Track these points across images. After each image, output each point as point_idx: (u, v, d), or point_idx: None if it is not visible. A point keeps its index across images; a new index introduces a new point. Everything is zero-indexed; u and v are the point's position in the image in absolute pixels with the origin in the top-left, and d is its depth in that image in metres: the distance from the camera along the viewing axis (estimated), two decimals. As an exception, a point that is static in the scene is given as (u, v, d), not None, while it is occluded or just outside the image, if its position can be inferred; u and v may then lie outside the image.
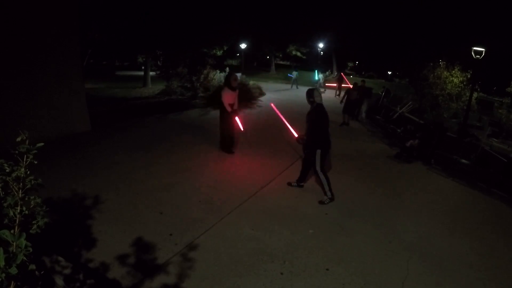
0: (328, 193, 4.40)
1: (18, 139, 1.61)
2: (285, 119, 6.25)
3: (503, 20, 20.63)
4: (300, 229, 3.68)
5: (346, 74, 22.81)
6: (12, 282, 1.49)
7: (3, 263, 1.38)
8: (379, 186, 5.29)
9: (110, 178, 4.63)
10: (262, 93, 15.12)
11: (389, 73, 39.20)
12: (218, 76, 14.31)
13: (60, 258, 2.47)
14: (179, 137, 7.06)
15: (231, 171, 5.36)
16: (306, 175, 4.78)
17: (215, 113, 7.31)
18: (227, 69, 16.01)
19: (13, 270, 1.40)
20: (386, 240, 3.65)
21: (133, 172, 4.88)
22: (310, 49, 33.49)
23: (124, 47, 20.70)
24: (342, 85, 17.65)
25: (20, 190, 1.60)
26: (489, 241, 3.93)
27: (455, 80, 13.65)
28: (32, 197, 1.66)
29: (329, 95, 17.04)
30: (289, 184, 4.88)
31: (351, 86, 11.85)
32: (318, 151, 4.33)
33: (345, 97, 10.77)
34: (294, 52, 34.17)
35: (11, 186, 1.59)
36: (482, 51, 10.24)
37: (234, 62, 33.96)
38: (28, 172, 1.62)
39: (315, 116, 4.34)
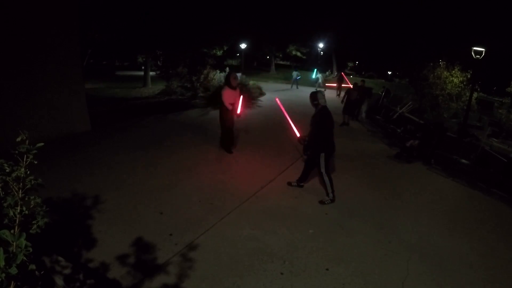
0: (330, 195, 4.40)
1: (18, 139, 1.61)
2: (288, 117, 6.24)
3: (503, 20, 20.63)
4: (300, 229, 3.68)
5: (346, 74, 22.80)
6: (12, 282, 1.49)
7: (3, 263, 1.38)
8: (379, 186, 5.29)
9: (110, 178, 4.63)
10: (262, 93, 15.11)
11: (389, 73, 39.20)
12: (218, 76, 14.31)
13: (60, 258, 2.47)
14: (179, 137, 7.07)
15: (231, 171, 5.36)
16: (307, 175, 4.77)
17: (215, 113, 7.31)
18: (227, 69, 16.01)
19: (13, 270, 1.40)
20: (386, 240, 3.65)
21: (133, 172, 4.88)
22: (310, 49, 33.51)
23: (124, 47, 20.73)
24: (343, 85, 17.66)
25: (20, 190, 1.60)
26: (489, 241, 3.93)
27: (455, 80, 13.66)
28: (32, 197, 1.66)
29: (329, 95, 17.00)
30: (289, 184, 4.88)
31: (351, 86, 11.86)
32: (322, 154, 4.33)
33: (345, 97, 10.78)
34: (294, 52, 34.19)
35: (11, 186, 1.59)
36: (482, 51, 10.24)
37: (234, 62, 34.00)
38: (28, 172, 1.62)
39: (319, 118, 4.33)
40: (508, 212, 5.00)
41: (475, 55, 10.38)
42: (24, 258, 1.48)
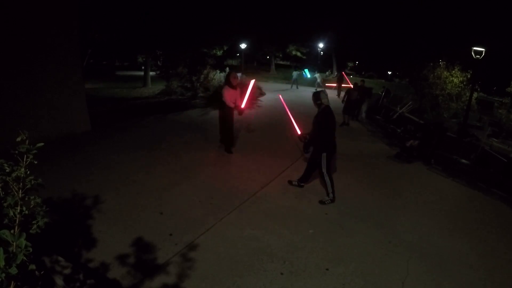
0: (331, 195, 4.40)
1: (18, 139, 1.61)
2: (290, 114, 6.25)
3: (503, 20, 20.63)
4: (300, 229, 3.68)
5: (346, 74, 22.79)
6: (12, 282, 1.49)
7: (3, 263, 1.38)
8: (379, 186, 5.29)
9: (110, 178, 4.63)
10: (262, 93, 15.11)
11: (389, 73, 39.20)
12: (218, 76, 14.31)
13: (60, 258, 2.47)
14: (179, 137, 7.06)
15: (231, 171, 5.36)
16: (309, 176, 4.75)
17: (215, 113, 7.31)
18: (227, 69, 16.02)
19: (13, 270, 1.40)
20: (386, 240, 3.65)
21: (133, 172, 4.88)
22: (310, 49, 33.51)
23: (124, 47, 20.72)
24: (343, 85, 17.66)
25: (20, 190, 1.60)
26: (489, 241, 3.93)
27: (455, 80, 13.67)
28: (32, 197, 1.66)
29: (329, 95, 16.93)
30: (290, 182, 4.87)
31: (351, 85, 11.85)
32: (324, 154, 4.33)
33: (346, 97, 10.78)
34: (294, 52, 34.18)
35: (11, 186, 1.59)
36: (482, 51, 10.25)
37: (234, 62, 33.96)
38: (28, 172, 1.62)
39: (321, 117, 4.33)
40: (508, 212, 5.00)
41: (475, 55, 10.39)
42: (24, 258, 1.48)
